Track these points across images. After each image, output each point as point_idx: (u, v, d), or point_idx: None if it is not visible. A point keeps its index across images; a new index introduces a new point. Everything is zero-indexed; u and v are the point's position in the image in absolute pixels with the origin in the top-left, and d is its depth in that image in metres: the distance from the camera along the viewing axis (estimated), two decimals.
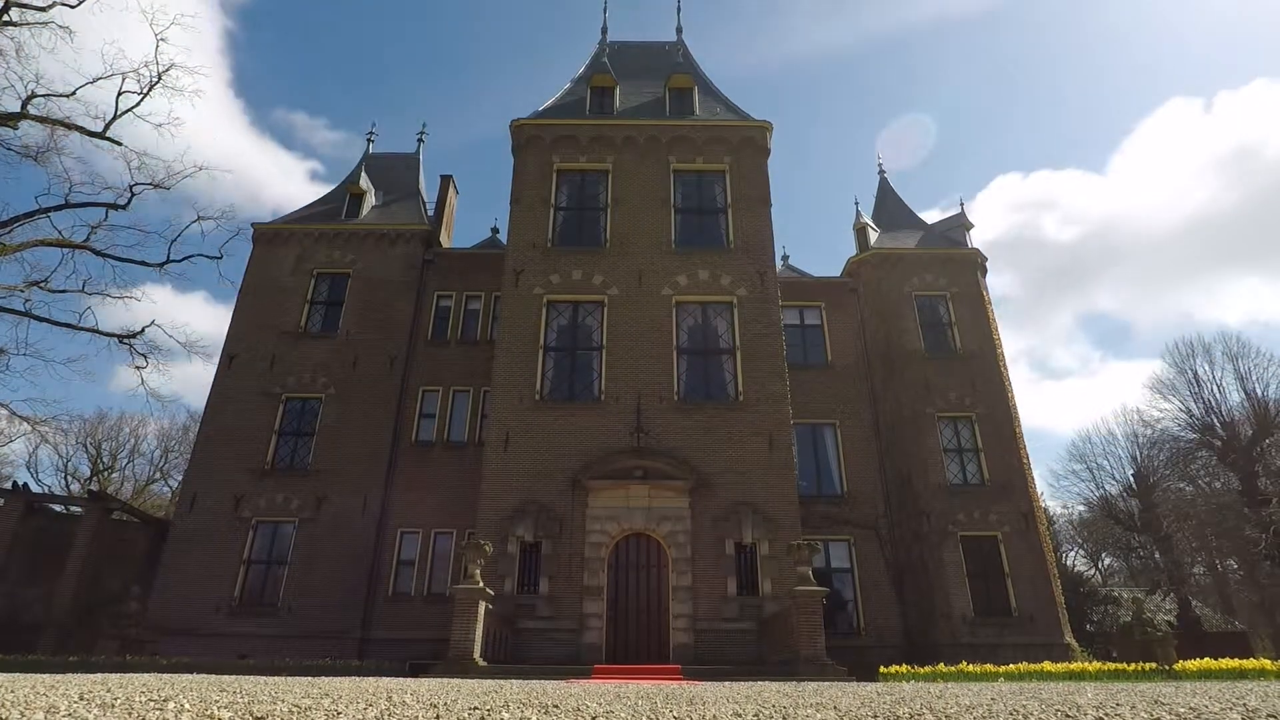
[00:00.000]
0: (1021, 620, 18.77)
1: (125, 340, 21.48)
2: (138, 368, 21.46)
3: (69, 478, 40.45)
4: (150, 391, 21.95)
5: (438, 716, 2.79)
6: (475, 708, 3.15)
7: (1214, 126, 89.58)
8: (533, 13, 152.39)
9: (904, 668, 12.35)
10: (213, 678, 6.76)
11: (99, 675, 6.48)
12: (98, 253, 21.12)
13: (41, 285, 20.55)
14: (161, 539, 19.91)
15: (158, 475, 42.86)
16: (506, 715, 2.88)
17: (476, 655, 11.88)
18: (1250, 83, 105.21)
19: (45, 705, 2.73)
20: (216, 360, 21.51)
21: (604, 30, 26.61)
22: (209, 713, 2.64)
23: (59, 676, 6.12)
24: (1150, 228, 79.19)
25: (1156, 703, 3.56)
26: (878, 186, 27.84)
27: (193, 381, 69.00)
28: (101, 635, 18.59)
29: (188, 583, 18.50)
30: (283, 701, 3.22)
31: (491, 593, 13.09)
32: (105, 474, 40.84)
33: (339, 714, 2.82)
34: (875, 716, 3.20)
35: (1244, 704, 3.31)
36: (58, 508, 23.12)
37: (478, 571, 12.52)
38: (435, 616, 17.38)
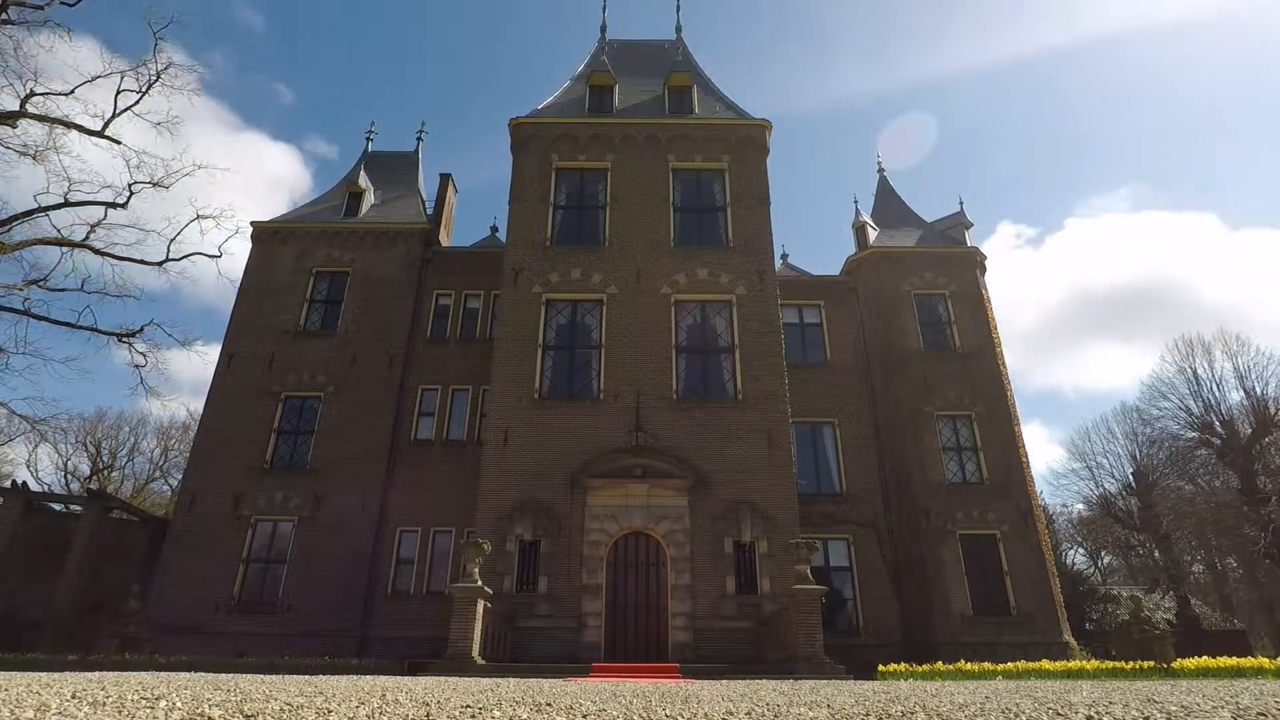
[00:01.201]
0: (1020, 618, 18.79)
1: (124, 339, 21.50)
2: (136, 366, 21.50)
3: (69, 476, 40.49)
4: (149, 390, 22.01)
5: (428, 715, 2.79)
6: (467, 706, 3.15)
7: (1045, 260, 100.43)
8: (532, 10, 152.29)
9: (902, 666, 12.35)
10: (209, 676, 6.77)
11: (96, 674, 6.48)
12: (97, 251, 21.16)
13: (40, 284, 20.59)
14: (161, 537, 19.92)
15: (157, 474, 42.91)
16: (498, 713, 2.88)
17: (475, 654, 11.89)
18: (1066, 221, 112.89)
19: (37, 703, 2.73)
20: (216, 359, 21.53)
21: (603, 29, 26.59)
22: (200, 711, 2.64)
23: (55, 675, 6.13)
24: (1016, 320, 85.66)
25: (1149, 700, 3.57)
26: (877, 185, 27.83)
27: (192, 379, 68.96)
28: (101, 634, 18.62)
29: (187, 581, 18.52)
30: (275, 700, 3.22)
31: (490, 591, 13.11)
32: (105, 473, 40.87)
33: (330, 712, 2.82)
34: (868, 715, 3.20)
35: (1236, 702, 3.31)
36: (57, 506, 23.12)
37: (476, 570, 12.53)
38: (435, 615, 17.39)
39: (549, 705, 3.34)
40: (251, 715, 2.60)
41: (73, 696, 3.00)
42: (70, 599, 19.08)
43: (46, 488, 38.51)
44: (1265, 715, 2.70)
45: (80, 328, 21.06)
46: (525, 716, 2.85)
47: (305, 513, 19.45)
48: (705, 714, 3.14)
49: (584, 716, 2.93)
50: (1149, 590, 30.63)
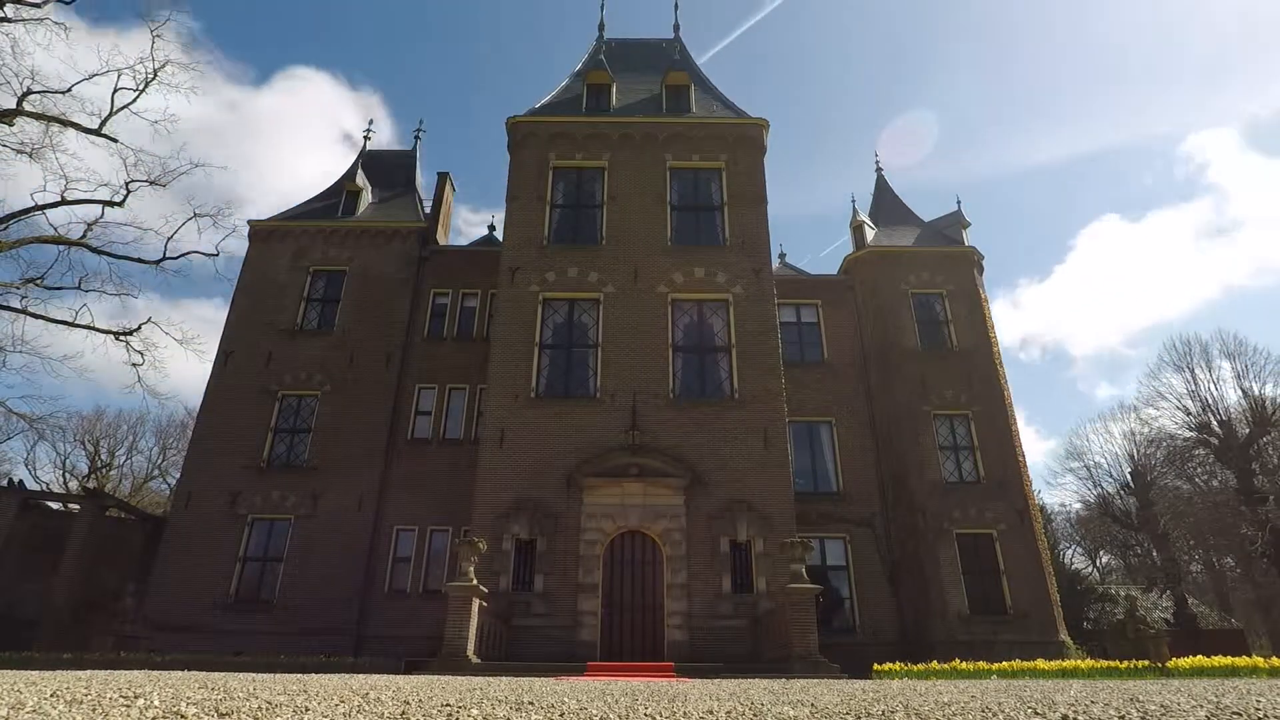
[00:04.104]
0: (1016, 617, 18.79)
1: (121, 337, 21.49)
2: (134, 364, 21.48)
3: (67, 475, 40.50)
4: (147, 389, 21.98)
5: (405, 714, 2.79)
6: (447, 704, 3.15)
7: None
8: (531, 8, 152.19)
9: (898, 665, 12.36)
10: (199, 674, 6.77)
11: (85, 672, 6.49)
12: (94, 249, 21.14)
13: (37, 282, 20.58)
14: (158, 536, 19.93)
15: (156, 473, 42.93)
16: (476, 712, 2.88)
17: (470, 652, 11.89)
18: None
19: (13, 700, 2.73)
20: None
21: (601, 27, 26.55)
22: (177, 709, 2.64)
23: (46, 673, 6.13)
24: None
25: (1132, 700, 3.57)
26: (875, 184, 27.79)
27: (191, 378, 68.94)
28: (98, 632, 18.64)
29: (184, 580, 18.52)
30: (256, 698, 3.22)
31: (486, 590, 13.11)
32: (104, 471, 40.87)
33: (308, 710, 2.82)
34: (849, 713, 3.20)
35: (1218, 701, 3.31)
36: (55, 505, 23.13)
37: (472, 569, 12.52)
38: (432, 613, 17.36)
39: (531, 704, 3.34)
40: (227, 714, 2.60)
41: (52, 694, 3.00)
42: (67, 597, 19.08)
43: (45, 486, 38.54)
44: (1242, 714, 2.70)
45: (78, 326, 21.06)
46: (504, 715, 2.84)
47: (302, 511, 19.46)
48: (686, 713, 3.14)
49: (563, 715, 2.93)
50: (1146, 589, 30.66)
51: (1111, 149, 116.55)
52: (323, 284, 22.76)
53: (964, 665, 12.20)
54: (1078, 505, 40.49)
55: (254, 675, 7.32)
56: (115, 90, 20.46)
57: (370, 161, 26.77)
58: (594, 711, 3.12)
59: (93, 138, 20.36)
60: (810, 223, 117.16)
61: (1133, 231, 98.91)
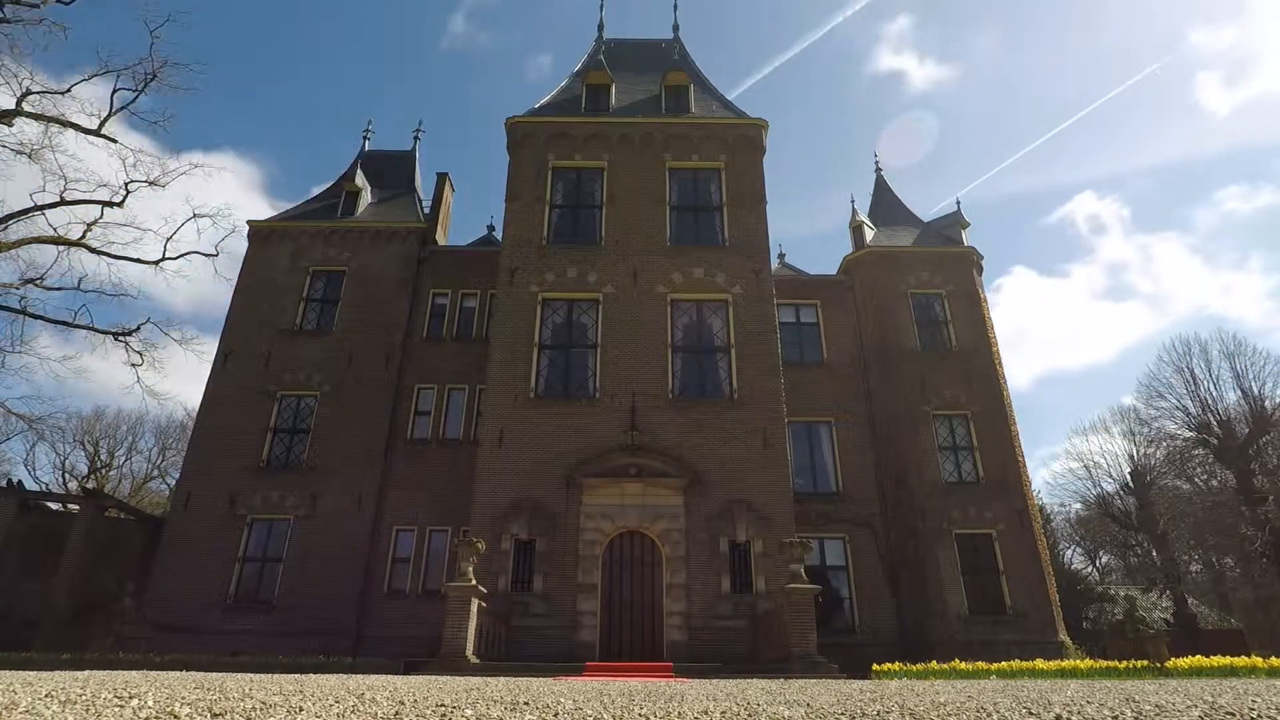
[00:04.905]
0: (1016, 617, 18.79)
1: (120, 337, 21.49)
2: (133, 365, 21.48)
3: (66, 475, 40.49)
4: (146, 389, 21.97)
5: (398, 714, 2.80)
6: (442, 705, 3.15)
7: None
8: (531, 8, 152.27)
9: (897, 665, 12.35)
10: (196, 675, 6.77)
11: (84, 673, 6.49)
12: (93, 250, 21.12)
13: (37, 283, 20.57)
14: (157, 536, 19.94)
15: (155, 473, 42.93)
16: (470, 713, 2.88)
17: (469, 653, 11.89)
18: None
19: (7, 701, 2.73)
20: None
21: (600, 27, 26.56)
22: (170, 709, 2.64)
23: (44, 674, 6.13)
24: None
25: (1127, 700, 3.57)
26: (874, 184, 27.79)
27: (190, 378, 68.95)
28: (97, 632, 18.64)
29: (183, 580, 18.51)
30: (250, 698, 3.22)
31: (485, 590, 13.11)
32: (103, 471, 40.87)
33: (302, 710, 2.82)
34: (845, 713, 3.20)
35: (1213, 701, 3.31)
36: (54, 505, 23.13)
37: (471, 569, 12.52)
38: (431, 614, 17.34)
39: (526, 705, 3.34)
40: (221, 714, 2.60)
41: (46, 695, 3.00)
42: (67, 598, 19.09)
43: (45, 487, 38.56)
44: (1236, 714, 2.70)
45: (77, 326, 21.07)
46: (498, 715, 2.85)
47: (301, 512, 19.45)
48: (681, 713, 3.15)
49: (558, 715, 2.93)
50: (1146, 589, 30.68)
51: (1007, 200, 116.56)
52: (322, 284, 22.75)
53: (963, 665, 12.21)
54: (1077, 505, 40.49)
55: (251, 675, 7.32)
56: (114, 90, 20.47)
57: (369, 162, 26.76)
58: (589, 712, 3.12)
59: (92, 138, 20.34)
60: (820, 237, 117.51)
61: (1042, 284, 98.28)
